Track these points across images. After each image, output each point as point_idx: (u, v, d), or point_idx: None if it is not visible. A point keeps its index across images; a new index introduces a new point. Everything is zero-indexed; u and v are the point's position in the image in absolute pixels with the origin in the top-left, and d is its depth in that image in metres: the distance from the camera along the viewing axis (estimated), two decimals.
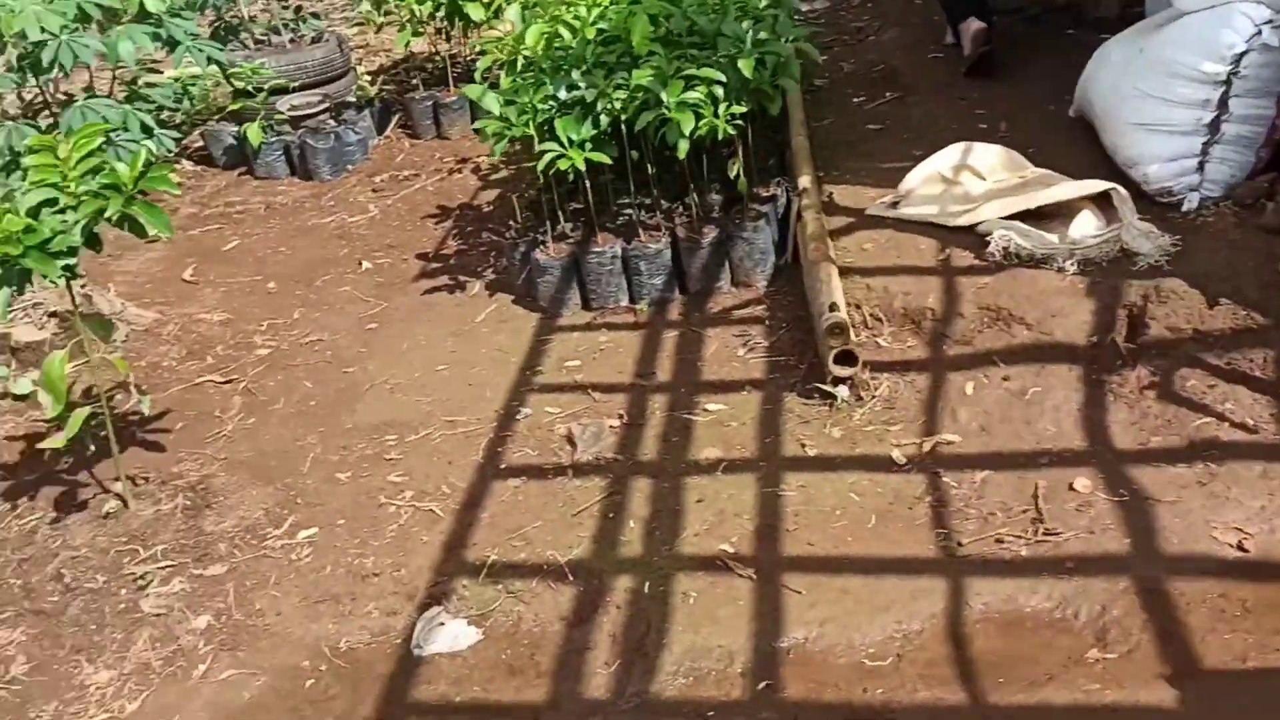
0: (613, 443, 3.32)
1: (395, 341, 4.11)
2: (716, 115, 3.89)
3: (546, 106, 4.07)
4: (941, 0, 5.31)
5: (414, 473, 3.31)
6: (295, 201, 5.55)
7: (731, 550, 2.84)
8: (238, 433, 3.61)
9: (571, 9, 4.39)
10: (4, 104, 5.82)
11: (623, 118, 3.97)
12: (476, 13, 5.63)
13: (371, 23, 5.97)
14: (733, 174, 4.06)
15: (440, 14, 5.80)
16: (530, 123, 4.01)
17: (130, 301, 4.36)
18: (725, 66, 3.98)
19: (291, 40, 6.48)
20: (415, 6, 5.69)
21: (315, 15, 6.88)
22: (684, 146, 3.81)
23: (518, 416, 3.53)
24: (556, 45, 4.29)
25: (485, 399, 3.66)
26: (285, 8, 6.83)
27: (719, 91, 3.91)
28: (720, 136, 3.90)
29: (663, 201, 4.31)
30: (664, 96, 3.82)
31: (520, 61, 4.37)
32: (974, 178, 3.90)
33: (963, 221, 3.73)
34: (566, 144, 3.96)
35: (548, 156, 3.94)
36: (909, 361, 3.39)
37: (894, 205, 3.93)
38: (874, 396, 3.30)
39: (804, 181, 4.15)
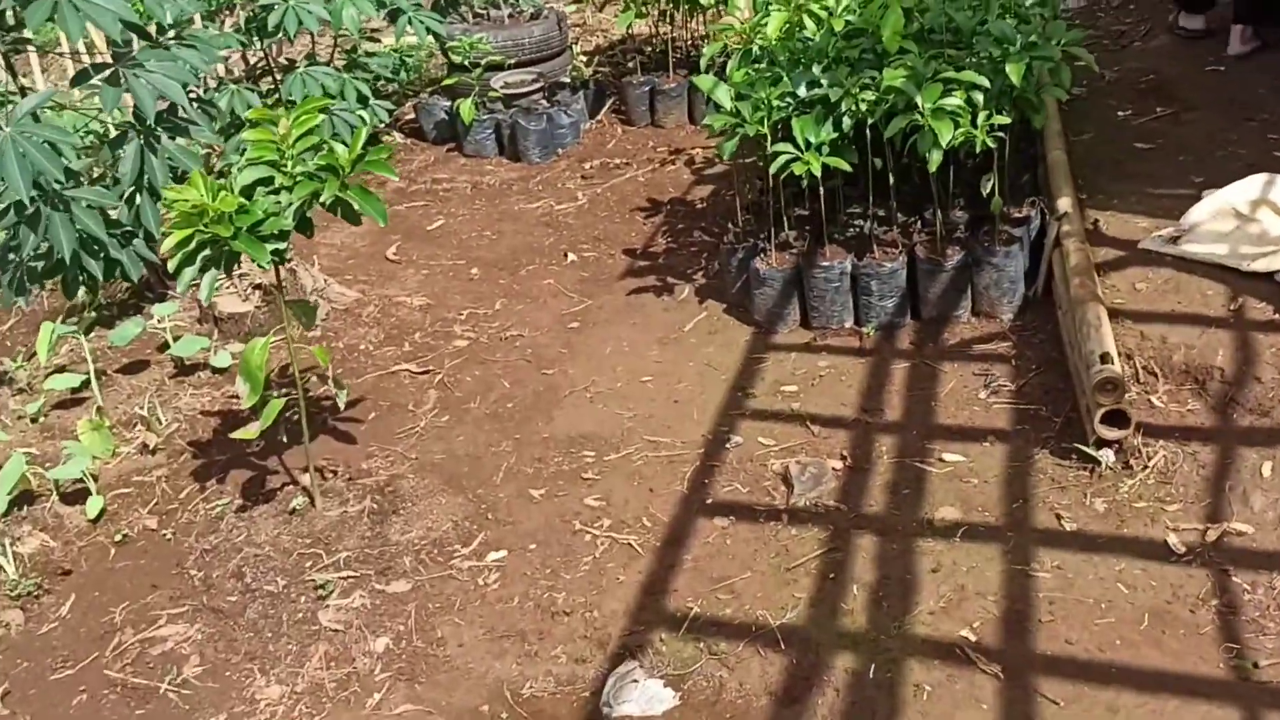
0: (834, 488, 2.96)
1: (598, 344, 3.84)
2: (975, 125, 3.46)
3: (784, 104, 3.71)
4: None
5: (612, 497, 3.03)
6: (503, 183, 5.36)
7: (973, 638, 2.44)
8: (430, 430, 3.41)
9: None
10: (229, 65, 5.84)
11: (868, 121, 3.58)
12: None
13: (591, 1, 5.70)
14: (986, 190, 3.62)
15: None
16: (765, 120, 3.66)
17: (333, 278, 4.23)
18: (988, 70, 3.55)
19: (510, 15, 6.30)
20: None
21: None
22: (937, 158, 3.39)
23: (727, 444, 3.21)
24: (798, 36, 3.93)
25: (692, 419, 3.35)
26: None
27: (979, 98, 3.47)
28: (977, 149, 3.47)
29: (899, 215, 3.90)
30: (918, 100, 3.41)
31: (755, 51, 4.02)
32: (1275, 216, 3.35)
33: (1260, 267, 3.19)
34: (804, 146, 3.59)
35: (782, 159, 3.58)
36: (1190, 429, 2.90)
37: (1174, 240, 3.42)
38: (1146, 467, 2.83)
39: (1064, 204, 3.67)
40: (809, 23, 3.86)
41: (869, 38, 3.84)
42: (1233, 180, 3.70)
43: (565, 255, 4.56)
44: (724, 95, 3.76)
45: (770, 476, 3.04)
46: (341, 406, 3.16)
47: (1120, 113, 4.54)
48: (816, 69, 3.80)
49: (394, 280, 4.37)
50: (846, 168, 3.58)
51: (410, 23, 5.60)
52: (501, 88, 5.84)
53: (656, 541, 2.84)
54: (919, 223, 3.88)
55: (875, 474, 3.00)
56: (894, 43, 3.70)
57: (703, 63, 4.39)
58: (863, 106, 3.56)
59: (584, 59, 6.42)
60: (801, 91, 3.71)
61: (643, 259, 4.46)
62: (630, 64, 5.96)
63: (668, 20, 5.67)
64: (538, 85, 5.84)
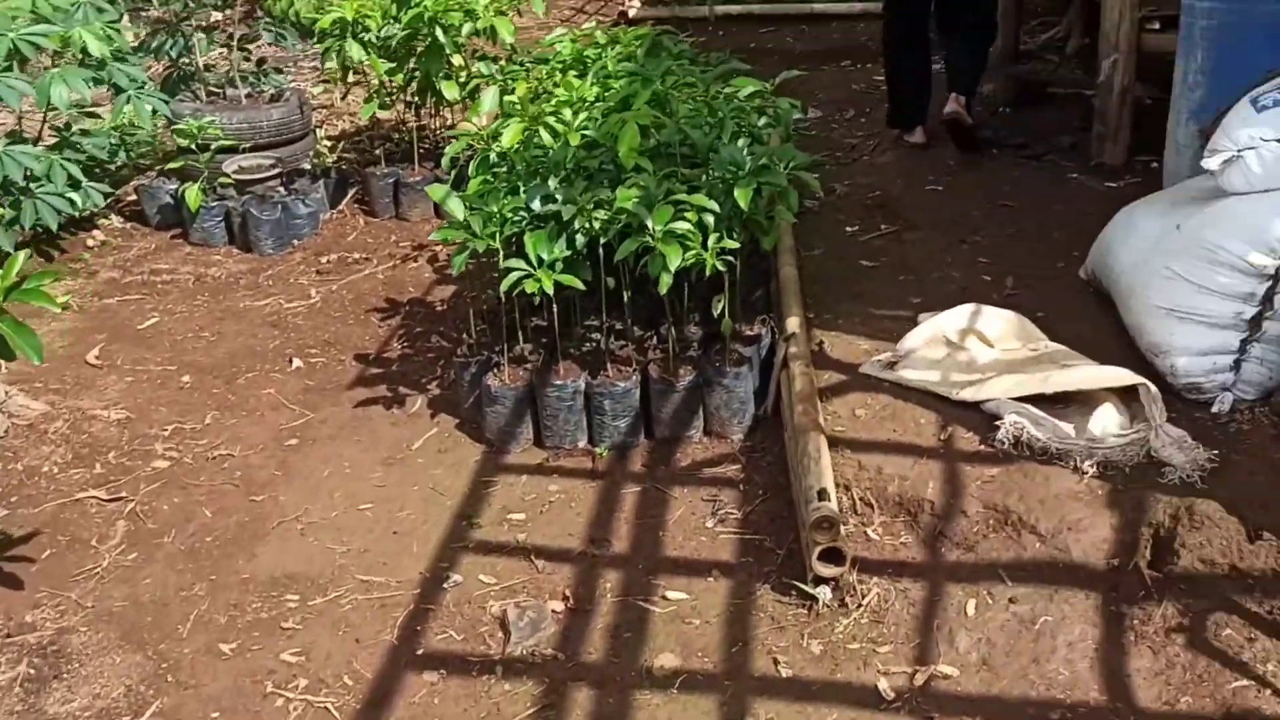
0: (553, 633, 2.81)
1: (317, 465, 3.58)
2: (705, 247, 3.45)
3: (517, 218, 3.60)
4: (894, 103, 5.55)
5: (313, 651, 2.77)
6: (230, 276, 5.02)
7: None
8: (114, 571, 3.06)
9: (555, 106, 3.95)
10: None
11: (600, 240, 3.52)
12: (451, 91, 5.19)
13: (336, 82, 5.47)
14: (716, 311, 3.60)
15: (412, 86, 5.35)
16: (497, 235, 3.54)
17: (18, 387, 3.80)
18: (718, 191, 3.56)
19: (249, 95, 5.99)
20: (383, 75, 5.23)
21: (279, 69, 6.41)
22: (667, 281, 3.35)
23: (445, 584, 3.01)
24: (536, 145, 3.84)
25: (411, 554, 3.14)
26: (246, 58, 6.36)
27: (710, 220, 3.47)
28: (707, 272, 3.46)
29: (635, 328, 3.85)
30: (649, 223, 3.37)
31: (493, 157, 3.91)
32: (982, 345, 3.47)
33: (967, 396, 3.29)
34: (535, 263, 3.49)
35: (513, 276, 3.46)
36: (903, 564, 2.92)
37: (891, 365, 3.49)
38: (861, 605, 2.82)
39: (792, 323, 3.70)
40: (545, 135, 3.78)
41: (606, 151, 3.80)
42: (947, 303, 3.84)
43: (290, 361, 4.27)
44: (456, 207, 3.61)
45: (488, 621, 2.87)
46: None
47: (849, 228, 4.68)
48: (553, 181, 3.73)
49: (92, 389, 3.97)
50: (579, 286, 3.49)
51: (131, 101, 5.23)
52: (234, 172, 5.51)
53: (356, 704, 2.61)
54: (654, 337, 3.84)
55: (597, 616, 2.88)
56: (630, 159, 3.66)
57: (444, 161, 4.24)
58: (596, 225, 3.49)
59: (328, 144, 6.17)
60: (536, 206, 3.62)
61: (375, 365, 4.23)
62: (376, 151, 5.75)
63: (414, 110, 5.51)
64: (274, 171, 5.54)
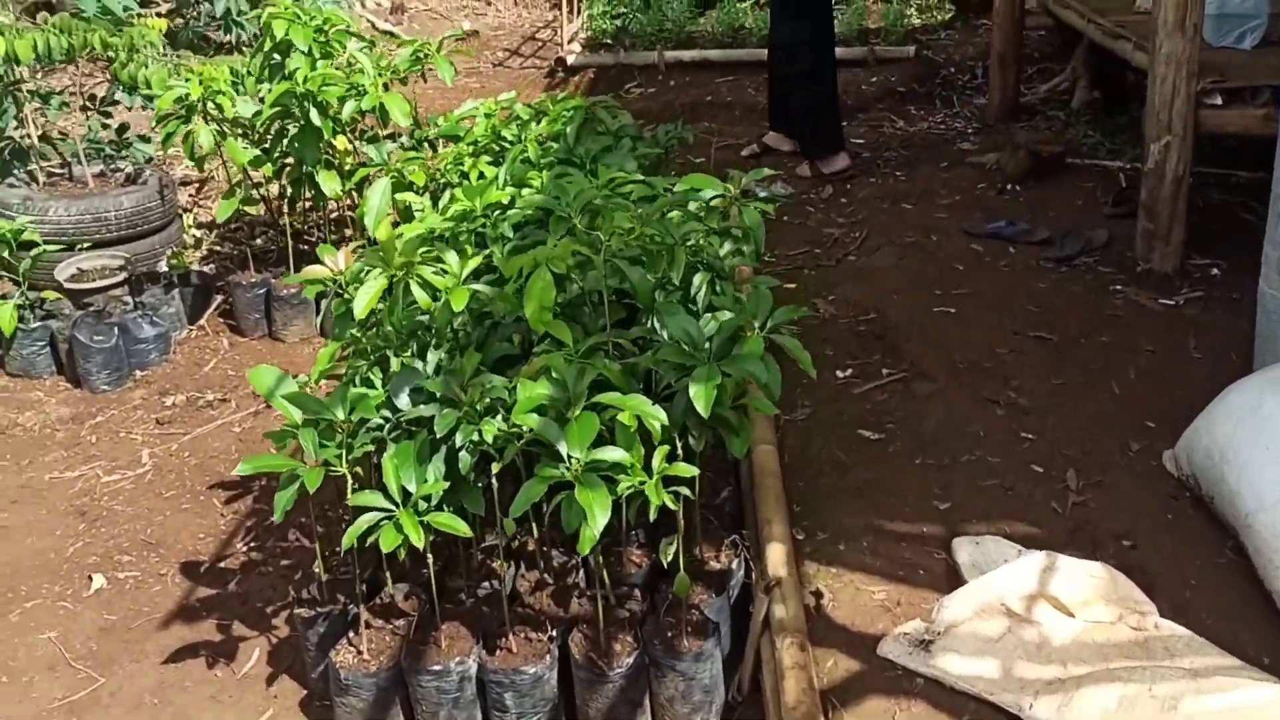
0: None
1: None
2: (648, 470, 2.29)
3: (377, 423, 2.42)
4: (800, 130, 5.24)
5: None
6: (46, 427, 3.80)
7: None
8: None
9: (436, 247, 2.77)
10: None
11: (495, 461, 2.35)
12: (330, 184, 3.99)
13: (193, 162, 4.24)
14: (666, 558, 2.44)
15: (284, 178, 4.14)
16: (343, 458, 2.35)
17: None
18: (667, 373, 2.41)
19: (99, 175, 4.76)
20: (243, 165, 4.02)
21: (145, 139, 5.17)
22: (590, 539, 2.17)
23: None
24: (406, 305, 2.65)
25: None
26: (106, 125, 5.12)
27: (655, 426, 2.31)
28: (652, 512, 2.29)
29: (553, 560, 2.68)
30: (562, 451, 2.20)
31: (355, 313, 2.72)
32: (1057, 614, 2.33)
33: (1044, 714, 2.14)
34: (398, 498, 2.31)
35: (361, 524, 2.28)
36: None
37: (925, 644, 2.34)
38: None
39: (775, 558, 2.54)
40: (419, 293, 2.59)
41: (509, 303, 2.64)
42: (986, 512, 2.72)
43: (90, 580, 3.06)
44: (287, 409, 2.42)
45: None
46: None
47: (840, 372, 3.52)
48: (433, 356, 2.56)
49: None
50: (462, 531, 2.31)
51: None
52: (69, 280, 4.28)
53: None
54: (579, 577, 2.67)
55: None
56: (541, 322, 2.50)
57: (315, 295, 3.05)
58: (488, 439, 2.32)
59: (196, 234, 4.93)
60: (403, 402, 2.44)
61: (206, 583, 3.03)
62: (245, 249, 4.52)
63: (287, 205, 4.29)
64: (119, 278, 4.31)
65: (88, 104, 5.20)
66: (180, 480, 3.48)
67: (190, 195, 5.25)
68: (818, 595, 2.54)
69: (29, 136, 4.74)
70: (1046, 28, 6.65)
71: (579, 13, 7.43)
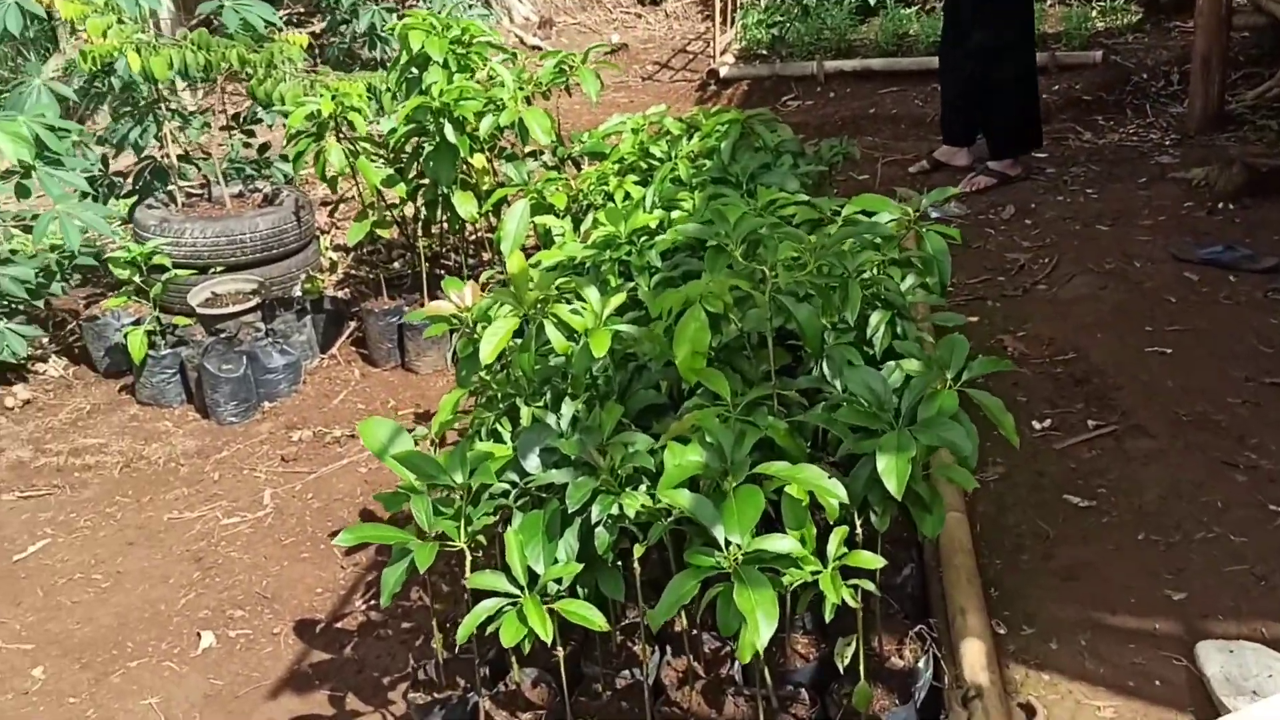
0: None
1: None
2: (823, 558, 1.87)
3: (502, 488, 2.08)
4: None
5: None
6: (170, 460, 3.61)
7: None
8: None
9: (575, 281, 2.41)
10: None
11: (638, 542, 1.96)
12: (466, 206, 3.70)
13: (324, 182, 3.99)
14: (844, 661, 2.01)
15: (419, 199, 3.87)
16: (461, 530, 2.00)
17: None
18: (842, 431, 1.99)
19: (237, 196, 4.62)
20: (376, 186, 3.76)
21: (285, 158, 5.00)
22: (749, 646, 1.76)
23: None
24: (539, 353, 2.30)
25: None
26: (248, 144, 4.99)
27: (832, 504, 1.89)
28: (828, 610, 1.87)
29: (704, 646, 2.28)
30: (718, 535, 1.80)
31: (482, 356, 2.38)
32: None
33: None
34: (523, 580, 1.95)
35: (481, 612, 1.93)
36: None
37: None
38: None
39: (973, 658, 2.09)
40: (554, 335, 2.23)
41: (654, 362, 2.26)
42: (1233, 601, 2.22)
43: (199, 636, 2.81)
44: (402, 471, 2.09)
45: None
46: None
47: (1037, 424, 3.02)
48: (568, 410, 2.20)
49: None
50: (597, 624, 1.94)
51: (59, 220, 3.87)
52: (202, 305, 4.11)
53: None
54: (736, 662, 2.26)
55: None
56: (692, 370, 2.12)
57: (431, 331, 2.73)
58: (629, 512, 1.94)
59: (334, 257, 4.73)
60: (532, 464, 2.08)
61: (321, 647, 2.74)
62: (378, 273, 4.26)
63: (422, 229, 4.02)
64: (253, 303, 4.13)
65: (231, 123, 5.08)
66: (301, 525, 3.22)
67: (329, 217, 5.06)
68: (1029, 711, 2.07)
69: (168, 155, 4.62)
70: (1252, 28, 5.93)
71: (732, 23, 7.05)
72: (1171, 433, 2.86)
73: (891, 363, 2.28)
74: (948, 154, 5.10)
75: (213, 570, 3.05)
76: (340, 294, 4.45)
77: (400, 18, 3.98)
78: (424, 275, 3.98)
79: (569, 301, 2.29)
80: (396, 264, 4.52)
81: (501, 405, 2.38)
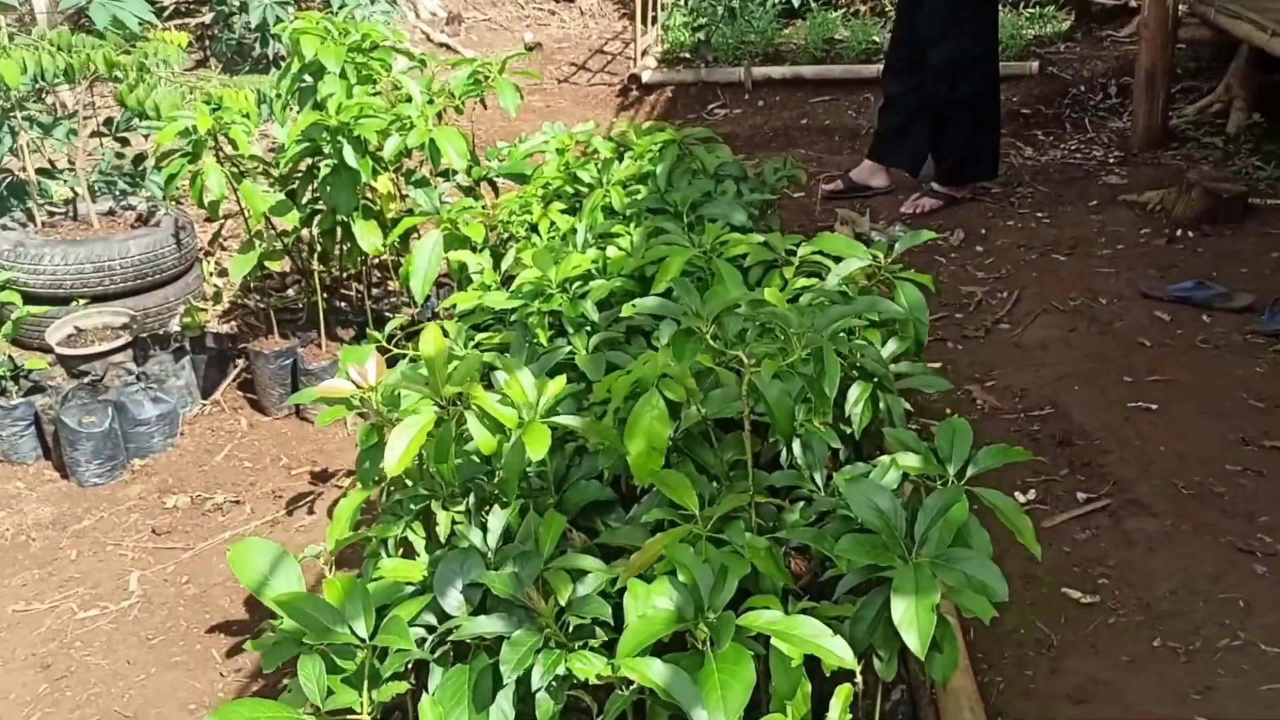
0: None
1: None
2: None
3: (418, 634, 1.63)
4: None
5: None
6: (17, 534, 3.06)
7: None
8: None
9: (504, 364, 1.98)
10: None
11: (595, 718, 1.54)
12: (369, 237, 3.21)
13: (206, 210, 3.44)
14: None
15: (315, 228, 3.38)
16: (364, 704, 1.55)
17: None
18: (845, 563, 1.60)
19: (107, 214, 4.06)
20: (261, 214, 3.25)
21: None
22: None
23: None
24: (456, 453, 1.86)
25: None
26: (121, 154, 4.43)
27: (832, 662, 1.49)
28: None
29: None
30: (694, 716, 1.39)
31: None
32: None
33: None
34: None
35: None
36: None
37: None
38: None
39: None
40: (478, 430, 1.79)
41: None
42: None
43: None
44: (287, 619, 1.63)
45: None
46: None
47: (1020, 495, 2.67)
48: (496, 525, 1.77)
49: None
50: None
51: None
52: (61, 344, 3.56)
53: None
54: None
55: None
56: (648, 470, 1.72)
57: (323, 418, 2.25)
58: (582, 676, 1.51)
59: (219, 284, 4.18)
60: (452, 604, 1.64)
61: None
62: (267, 304, 3.74)
63: (317, 259, 3.51)
64: (122, 340, 3.58)
65: (102, 129, 4.50)
66: (173, 619, 2.72)
67: (209, 244, 4.50)
68: None
69: (26, 169, 4.04)
70: (1193, 41, 5.73)
71: (653, 22, 6.63)
72: (1173, 510, 2.53)
73: (884, 458, 1.91)
74: (866, 173, 4.74)
75: (64, 681, 2.53)
76: (226, 328, 3.92)
77: (295, 12, 3.49)
78: (320, 311, 3.48)
79: (495, 377, 1.86)
80: (291, 290, 4.01)
81: (413, 507, 1.93)
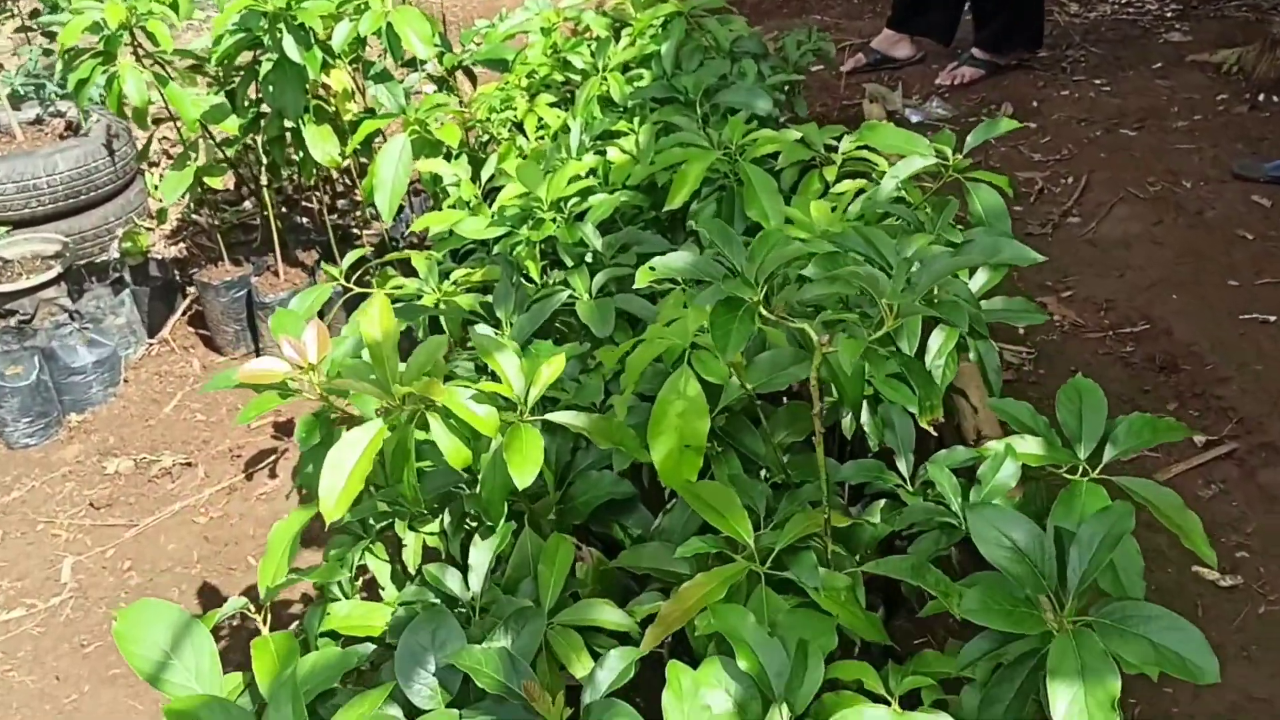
0: None
1: None
2: None
3: None
4: None
5: None
6: None
7: None
8: None
9: (483, 347, 1.46)
10: None
11: None
12: (324, 146, 2.65)
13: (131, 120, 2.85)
14: None
15: (261, 136, 2.80)
16: None
17: None
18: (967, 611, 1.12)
19: (34, 123, 3.49)
20: (194, 122, 2.68)
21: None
22: None
23: None
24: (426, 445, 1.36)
25: None
26: (50, 51, 3.82)
27: None
28: None
29: None
30: None
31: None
32: None
33: None
34: None
35: None
36: None
37: None
38: None
39: None
40: (446, 441, 1.28)
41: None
42: None
43: None
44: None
45: None
46: None
47: None
48: (479, 561, 1.28)
49: None
50: None
51: None
52: None
53: None
54: None
55: None
56: (678, 475, 1.24)
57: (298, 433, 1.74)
58: None
59: (163, 201, 3.60)
60: (421, 696, 1.16)
61: None
62: (219, 229, 3.19)
63: (268, 173, 2.94)
64: (53, 272, 3.05)
65: (29, 23, 3.89)
66: (113, 609, 2.26)
67: (147, 159, 3.91)
68: None
69: None
70: None
71: None
72: None
73: (994, 445, 1.41)
74: (888, 43, 4.11)
75: None
76: (175, 251, 3.38)
77: None
78: (275, 233, 2.94)
79: (475, 333, 1.34)
80: (248, 203, 3.45)
81: (376, 527, 1.44)
